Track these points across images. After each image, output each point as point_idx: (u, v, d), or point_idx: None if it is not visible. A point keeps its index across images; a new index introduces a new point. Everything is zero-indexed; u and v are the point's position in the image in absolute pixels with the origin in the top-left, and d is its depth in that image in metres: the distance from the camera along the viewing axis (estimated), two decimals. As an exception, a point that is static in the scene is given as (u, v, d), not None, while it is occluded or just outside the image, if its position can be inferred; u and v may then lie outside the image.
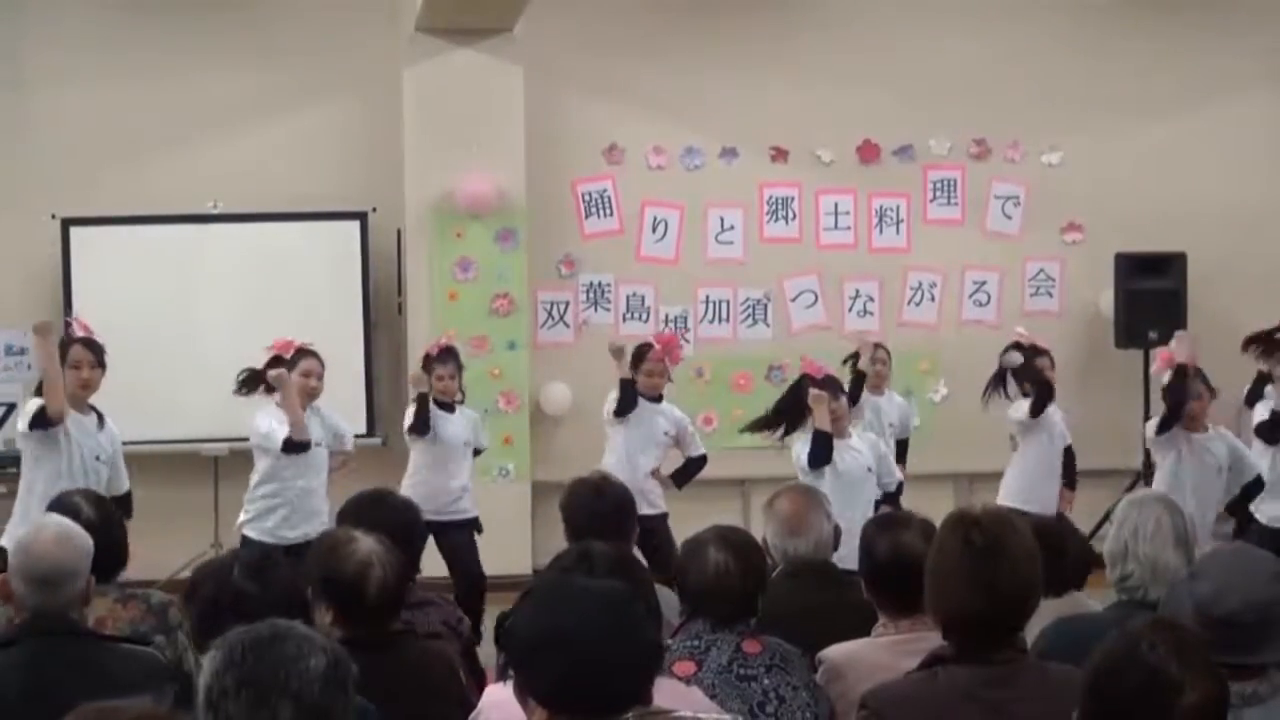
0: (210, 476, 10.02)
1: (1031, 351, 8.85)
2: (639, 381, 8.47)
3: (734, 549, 4.00)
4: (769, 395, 10.64)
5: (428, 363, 8.52)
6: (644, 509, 7.59)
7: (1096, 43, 11.23)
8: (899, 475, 7.97)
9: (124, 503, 6.96)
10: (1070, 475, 8.86)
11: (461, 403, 8.57)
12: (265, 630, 2.63)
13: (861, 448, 7.58)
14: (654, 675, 2.72)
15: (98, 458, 7.03)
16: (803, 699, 3.69)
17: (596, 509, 4.83)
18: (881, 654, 3.86)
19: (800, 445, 7.48)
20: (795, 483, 4.89)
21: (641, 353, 8.58)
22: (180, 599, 3.48)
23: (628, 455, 8.36)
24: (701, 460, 8.64)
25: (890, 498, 7.74)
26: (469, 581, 8.20)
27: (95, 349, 7.14)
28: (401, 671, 3.76)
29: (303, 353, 7.85)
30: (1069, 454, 8.86)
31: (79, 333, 7.32)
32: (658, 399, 8.54)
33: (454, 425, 8.43)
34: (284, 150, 10.57)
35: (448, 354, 8.51)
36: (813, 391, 7.45)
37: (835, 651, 3.94)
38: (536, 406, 10.67)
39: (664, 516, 8.33)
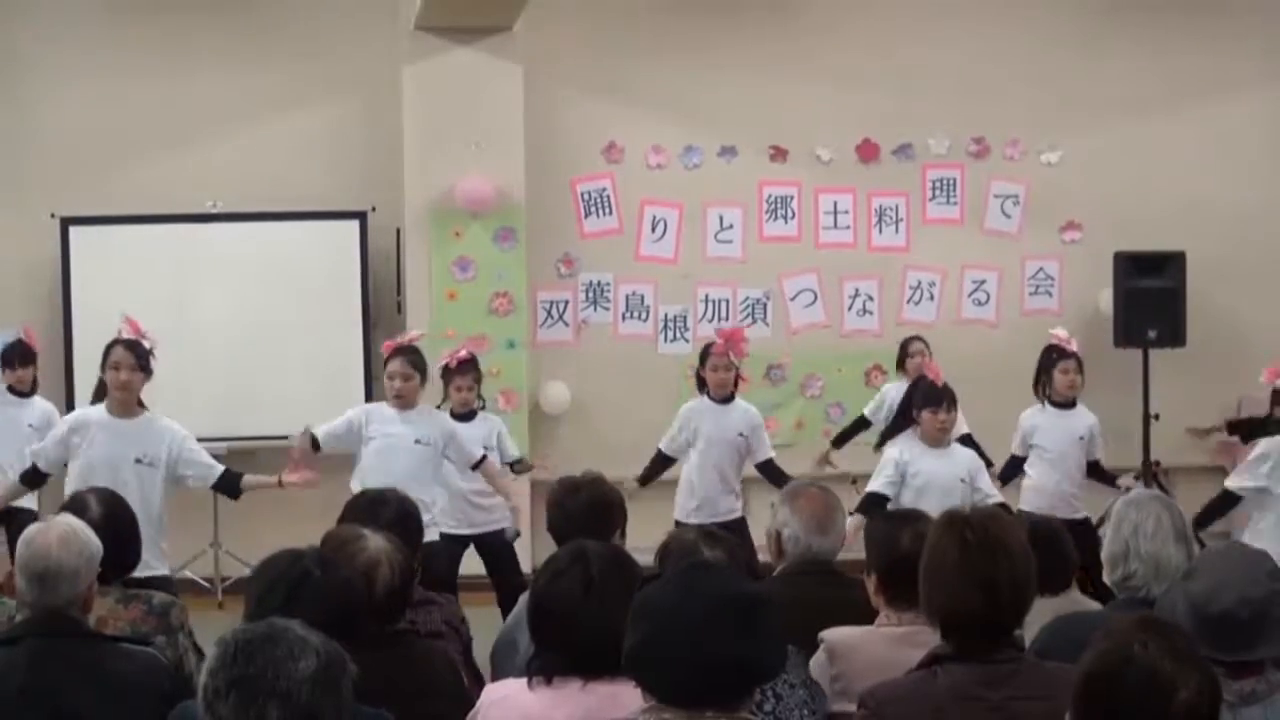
0: (210, 476, 10.00)
1: (1059, 355, 8.43)
2: (707, 380, 8.26)
3: (723, 545, 4.04)
4: (767, 395, 10.72)
5: (447, 374, 8.21)
6: (721, 516, 7.94)
7: (1096, 43, 11.23)
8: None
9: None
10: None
11: (483, 408, 8.35)
12: (259, 630, 2.64)
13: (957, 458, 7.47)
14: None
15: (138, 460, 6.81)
16: (800, 696, 3.68)
17: (570, 508, 4.79)
18: (880, 645, 3.88)
19: (889, 448, 7.47)
20: (812, 481, 4.88)
21: (705, 351, 8.38)
22: (253, 575, 3.51)
23: (701, 464, 8.27)
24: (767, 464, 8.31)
25: None
26: (512, 591, 7.87)
27: (137, 350, 6.88)
28: (405, 671, 3.75)
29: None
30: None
31: (127, 334, 6.98)
32: (728, 399, 8.27)
33: (473, 432, 8.06)
34: (283, 150, 10.58)
35: (468, 365, 8.26)
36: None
37: (835, 634, 3.96)
38: (536, 406, 10.67)
39: (740, 521, 8.08)
